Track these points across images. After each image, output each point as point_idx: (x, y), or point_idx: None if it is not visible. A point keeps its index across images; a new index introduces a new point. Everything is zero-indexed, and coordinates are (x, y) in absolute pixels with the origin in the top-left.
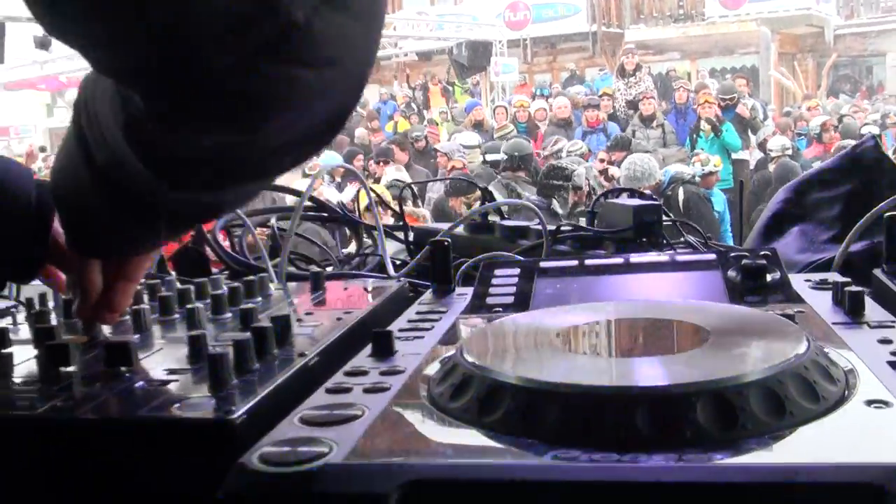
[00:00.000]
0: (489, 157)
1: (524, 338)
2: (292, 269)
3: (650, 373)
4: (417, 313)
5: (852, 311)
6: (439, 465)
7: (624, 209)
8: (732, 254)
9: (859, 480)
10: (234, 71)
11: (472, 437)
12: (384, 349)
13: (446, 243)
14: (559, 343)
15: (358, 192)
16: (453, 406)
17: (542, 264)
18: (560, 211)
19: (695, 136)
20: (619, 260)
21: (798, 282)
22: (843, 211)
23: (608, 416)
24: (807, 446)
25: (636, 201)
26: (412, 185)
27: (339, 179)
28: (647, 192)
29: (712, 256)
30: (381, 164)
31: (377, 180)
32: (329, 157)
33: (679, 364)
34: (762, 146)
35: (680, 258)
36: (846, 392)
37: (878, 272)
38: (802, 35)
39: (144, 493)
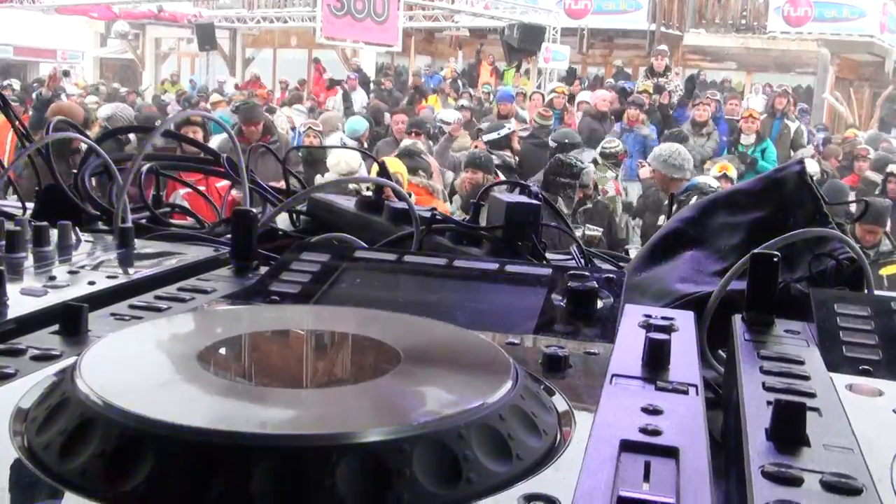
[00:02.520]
0: (486, 138)
1: (167, 349)
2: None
3: (271, 414)
4: (179, 289)
5: (649, 362)
6: None
7: (500, 205)
8: (571, 272)
9: None
10: None
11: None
12: (71, 326)
13: (251, 214)
14: (211, 358)
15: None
16: (38, 440)
17: (357, 254)
18: (566, 210)
19: (733, 150)
20: (440, 262)
21: (636, 316)
22: (744, 241)
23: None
24: None
25: (516, 198)
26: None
27: (365, 144)
28: (674, 189)
29: (546, 272)
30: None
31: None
32: (356, 122)
33: (323, 403)
34: None
35: (510, 269)
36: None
37: (736, 318)
38: (862, 62)
39: None
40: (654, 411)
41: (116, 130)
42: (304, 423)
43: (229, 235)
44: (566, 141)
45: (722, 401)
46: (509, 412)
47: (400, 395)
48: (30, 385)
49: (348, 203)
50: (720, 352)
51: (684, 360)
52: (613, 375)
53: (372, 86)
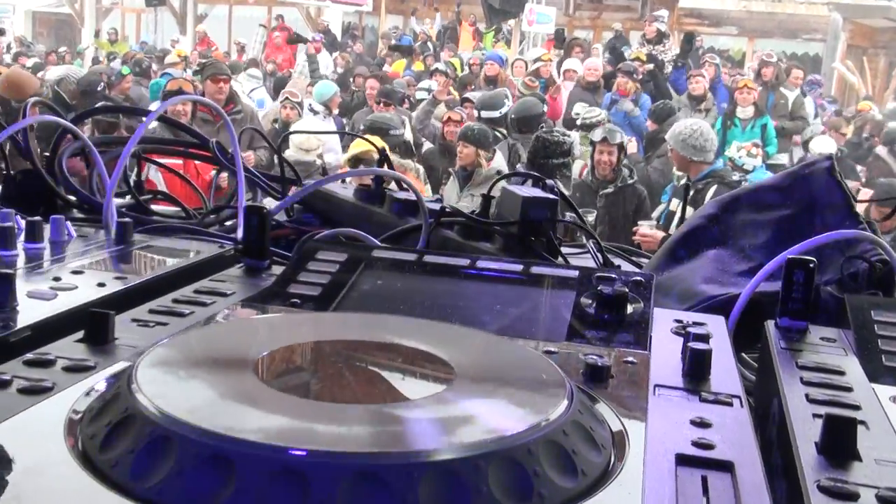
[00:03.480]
0: (485, 115)
1: (223, 361)
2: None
3: (349, 432)
4: (196, 291)
5: (691, 372)
6: None
7: (514, 199)
8: (597, 275)
9: None
10: None
11: None
12: (98, 334)
13: (265, 211)
14: (264, 370)
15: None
16: (102, 458)
17: (375, 253)
18: (566, 192)
19: (729, 123)
20: (462, 262)
21: (666, 321)
22: (771, 240)
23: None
24: None
25: (531, 192)
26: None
27: (335, 111)
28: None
29: (573, 274)
30: (383, 105)
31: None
32: (325, 86)
33: (395, 420)
34: (806, 146)
35: (535, 270)
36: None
37: (769, 325)
38: (878, 29)
39: None
40: (702, 424)
41: (98, 109)
42: (384, 441)
43: (218, 225)
44: (526, 115)
45: (754, 409)
46: (571, 427)
47: (466, 412)
48: (73, 398)
49: (346, 192)
50: (743, 355)
51: (723, 369)
52: (656, 386)
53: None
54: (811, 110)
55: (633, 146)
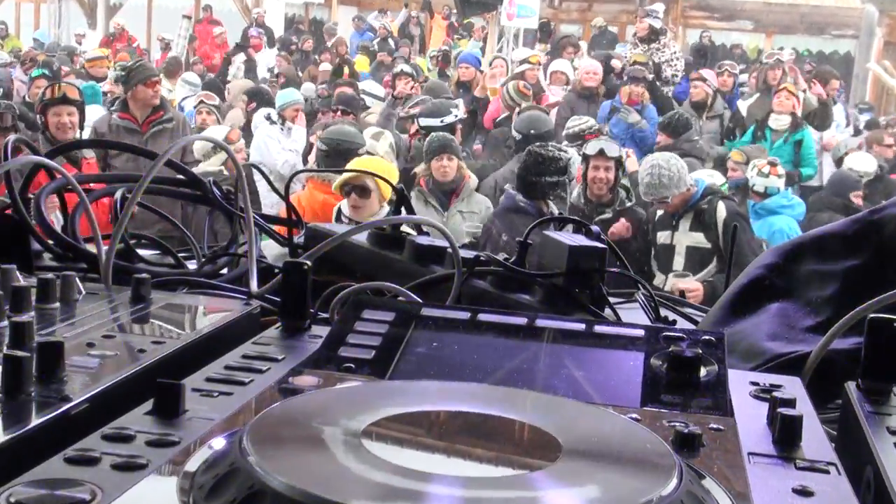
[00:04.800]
0: (424, 123)
1: (330, 428)
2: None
3: None
4: (244, 357)
5: (782, 439)
6: None
7: (558, 248)
8: (665, 333)
9: None
10: None
11: None
12: (168, 406)
13: (305, 267)
14: (367, 443)
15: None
16: None
17: (425, 311)
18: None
19: (759, 133)
20: (520, 321)
21: (742, 383)
22: (841, 292)
23: None
24: None
25: (577, 240)
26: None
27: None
28: (670, 202)
29: (639, 333)
30: (340, 112)
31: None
32: (288, 94)
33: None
34: (840, 162)
35: (598, 329)
36: None
37: (850, 386)
38: None
39: None
40: (805, 492)
41: (77, 144)
42: None
43: (217, 275)
44: (532, 131)
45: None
46: (687, 499)
47: (583, 489)
48: (169, 473)
49: (359, 237)
50: None
51: (813, 434)
52: (749, 454)
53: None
54: (841, 119)
55: (633, 162)
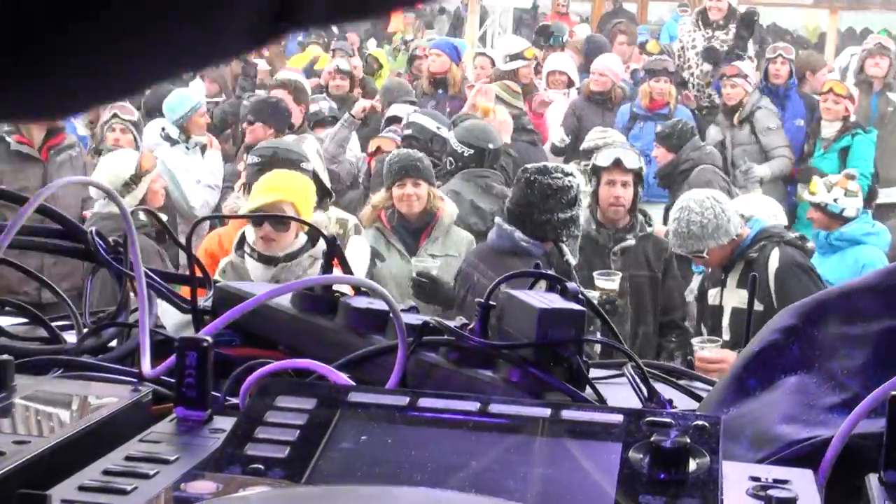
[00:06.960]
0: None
1: None
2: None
3: None
4: (128, 459)
5: None
6: None
7: (526, 311)
8: (649, 418)
9: None
10: None
11: None
12: None
13: (204, 344)
14: None
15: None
16: None
17: (352, 396)
18: (573, 261)
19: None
20: (470, 406)
21: (740, 479)
22: (870, 362)
23: None
24: None
25: (550, 300)
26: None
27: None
28: (705, 257)
29: (617, 419)
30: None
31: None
32: (180, 98)
33: None
34: None
35: (567, 415)
36: None
37: (870, 480)
38: None
39: None
40: None
41: None
42: None
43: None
44: (490, 145)
45: None
46: None
47: None
48: None
49: (281, 299)
50: None
51: None
52: None
53: None
54: None
55: None
